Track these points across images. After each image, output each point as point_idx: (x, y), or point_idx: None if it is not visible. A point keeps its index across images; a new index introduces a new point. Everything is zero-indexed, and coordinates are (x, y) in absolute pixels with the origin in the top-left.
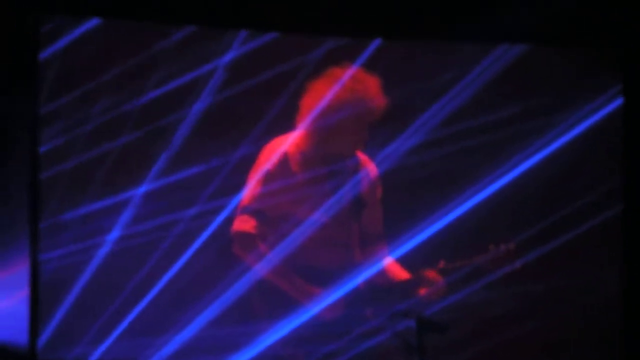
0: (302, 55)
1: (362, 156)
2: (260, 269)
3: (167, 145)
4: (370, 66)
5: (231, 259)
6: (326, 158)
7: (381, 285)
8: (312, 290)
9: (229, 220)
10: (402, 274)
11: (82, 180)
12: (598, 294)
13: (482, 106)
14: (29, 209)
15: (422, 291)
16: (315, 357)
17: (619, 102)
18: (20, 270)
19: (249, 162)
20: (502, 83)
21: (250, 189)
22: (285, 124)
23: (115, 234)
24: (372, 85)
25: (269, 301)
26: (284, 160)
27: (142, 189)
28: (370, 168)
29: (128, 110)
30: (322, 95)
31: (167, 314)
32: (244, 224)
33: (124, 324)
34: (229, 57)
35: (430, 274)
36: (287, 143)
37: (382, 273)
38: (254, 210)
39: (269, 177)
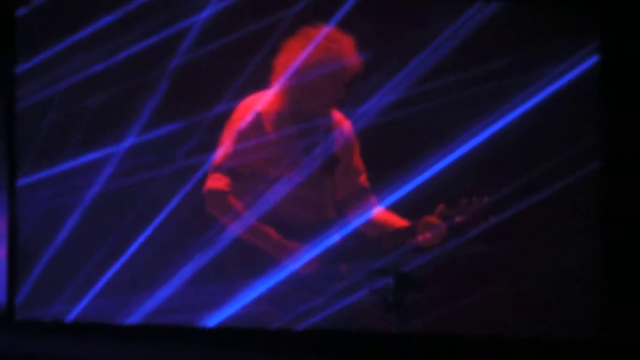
0: (277, 13)
1: (336, 114)
2: (234, 227)
3: (144, 103)
4: (344, 25)
5: (208, 218)
6: (300, 116)
7: (374, 236)
8: (288, 244)
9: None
10: (399, 222)
11: (58, 138)
12: (576, 251)
13: (458, 64)
14: (6, 167)
15: (421, 237)
16: (292, 314)
17: (595, 59)
18: None
19: (223, 120)
20: (477, 41)
21: (223, 147)
22: (261, 82)
23: (92, 192)
24: (347, 45)
25: (244, 259)
26: (258, 119)
27: (119, 147)
28: (345, 125)
29: (103, 69)
30: (296, 55)
31: (145, 273)
32: (217, 182)
33: (101, 282)
34: (204, 15)
35: (431, 219)
36: (261, 101)
37: (376, 223)
38: (227, 169)
39: (242, 135)
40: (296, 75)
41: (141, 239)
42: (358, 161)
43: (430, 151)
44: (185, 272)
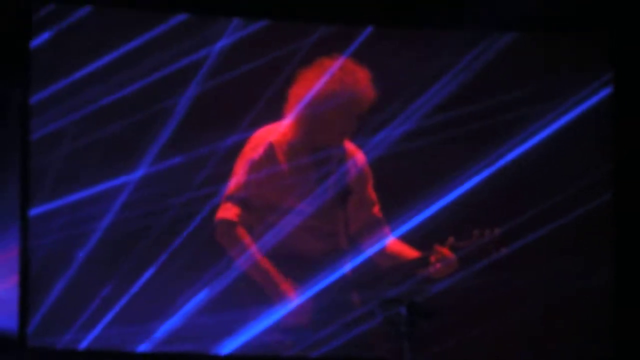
0: (292, 44)
1: (349, 145)
2: (239, 260)
3: (158, 133)
4: (359, 57)
5: (220, 247)
6: (313, 147)
7: (386, 266)
8: (282, 286)
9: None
10: (411, 253)
11: (73, 168)
12: (589, 283)
13: (472, 95)
14: (20, 197)
15: (432, 268)
16: (304, 344)
17: (608, 90)
18: (11, 257)
19: (238, 150)
20: (492, 72)
21: (235, 178)
22: (276, 113)
23: (105, 221)
24: (361, 77)
25: (256, 288)
26: (271, 149)
27: (133, 176)
28: (358, 157)
29: (119, 98)
30: (311, 85)
31: (157, 301)
32: (227, 211)
33: (114, 311)
34: (219, 45)
35: (443, 249)
36: (274, 132)
37: (389, 254)
38: (238, 199)
39: (255, 166)
40: (310, 105)
41: (153, 268)
42: (371, 192)
43: (441, 182)
44: (197, 300)
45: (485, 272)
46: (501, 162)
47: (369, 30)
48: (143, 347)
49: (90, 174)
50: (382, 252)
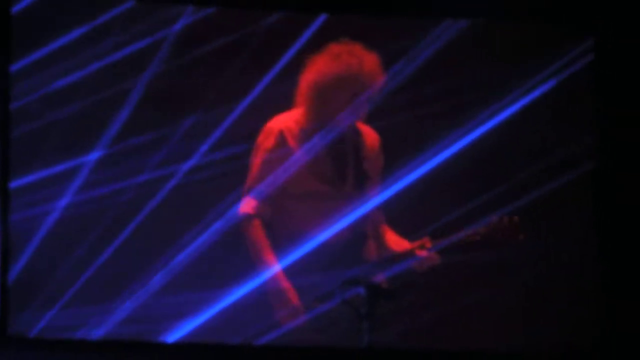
0: (250, 27)
1: (363, 127)
2: (258, 254)
3: (117, 114)
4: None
5: (180, 226)
6: (326, 132)
7: (374, 257)
8: (294, 308)
9: (178, 187)
10: (401, 243)
11: (29, 149)
12: (569, 258)
13: (444, 71)
14: None
15: (416, 264)
16: (265, 324)
17: (589, 57)
18: None
19: (197, 131)
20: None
21: (251, 170)
22: (235, 95)
23: (63, 202)
24: (367, 60)
25: (213, 272)
26: (282, 137)
27: (92, 156)
28: (372, 137)
29: (76, 79)
30: (319, 71)
31: (114, 284)
32: (246, 206)
33: (72, 291)
34: (179, 26)
35: (421, 253)
36: (285, 120)
37: (383, 244)
38: (256, 191)
39: (268, 155)
40: (319, 90)
41: (111, 249)
42: (380, 176)
43: (412, 159)
44: (156, 282)
45: (451, 250)
46: (476, 134)
47: (323, 17)
48: (100, 329)
49: (48, 155)
50: (377, 242)
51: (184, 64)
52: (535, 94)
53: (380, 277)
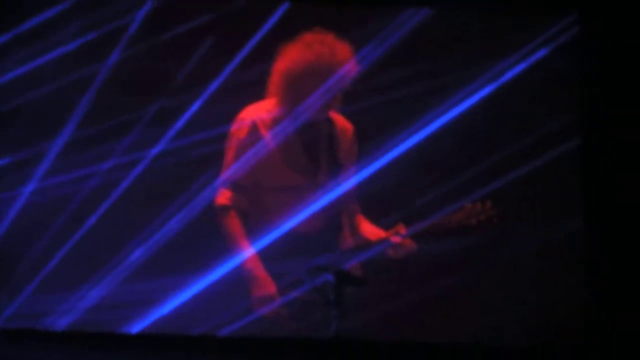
0: (214, 12)
1: (337, 117)
2: (234, 244)
3: (81, 99)
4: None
5: (147, 213)
6: (298, 122)
7: (355, 247)
8: (268, 291)
9: (145, 173)
10: (376, 232)
11: None
12: (556, 235)
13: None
14: None
15: (392, 251)
16: (233, 311)
17: (574, 30)
18: None
19: (163, 116)
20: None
21: (225, 161)
22: (199, 80)
23: (29, 188)
24: (339, 50)
25: (181, 259)
26: (254, 128)
27: (58, 141)
28: (346, 128)
29: (40, 65)
30: (292, 60)
31: (80, 270)
32: (221, 196)
33: (38, 279)
34: (143, 11)
35: (396, 239)
36: (257, 110)
37: (358, 233)
38: (231, 183)
39: (241, 147)
40: (291, 80)
41: (78, 236)
42: (355, 165)
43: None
44: (124, 268)
45: (426, 236)
46: (460, 109)
47: (286, 4)
48: (67, 318)
49: (14, 140)
50: (352, 231)
51: (149, 48)
52: (515, 71)
53: (351, 264)
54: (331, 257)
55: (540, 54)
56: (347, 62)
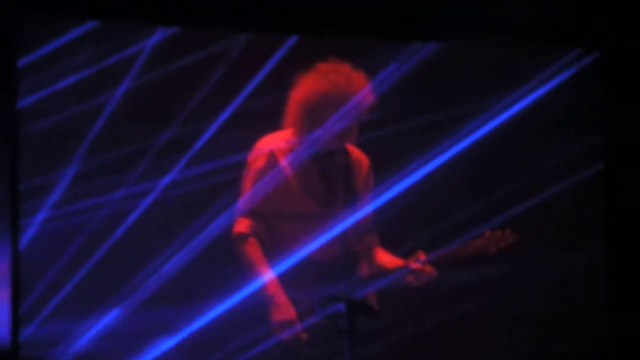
0: (223, 43)
1: (352, 149)
2: (254, 270)
3: (91, 128)
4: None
5: (160, 240)
6: (315, 152)
7: (372, 275)
8: (288, 315)
9: (157, 202)
10: (395, 261)
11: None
12: (577, 261)
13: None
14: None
15: (411, 278)
16: (244, 340)
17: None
18: None
19: (173, 145)
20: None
21: (243, 190)
22: (212, 109)
23: (39, 217)
24: (356, 80)
25: (193, 287)
26: (272, 157)
27: (70, 171)
28: (362, 160)
29: (54, 92)
30: (308, 89)
31: (92, 299)
32: (239, 225)
33: (49, 308)
34: (153, 40)
35: (416, 265)
36: (275, 139)
37: (375, 263)
38: (248, 211)
39: (259, 176)
40: (307, 110)
41: (90, 264)
42: (370, 197)
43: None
44: (139, 296)
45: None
46: (477, 135)
47: (294, 39)
48: (79, 343)
49: (23, 170)
50: (369, 262)
51: (159, 78)
52: (537, 94)
53: (366, 293)
54: (346, 285)
55: (558, 79)
56: (359, 90)
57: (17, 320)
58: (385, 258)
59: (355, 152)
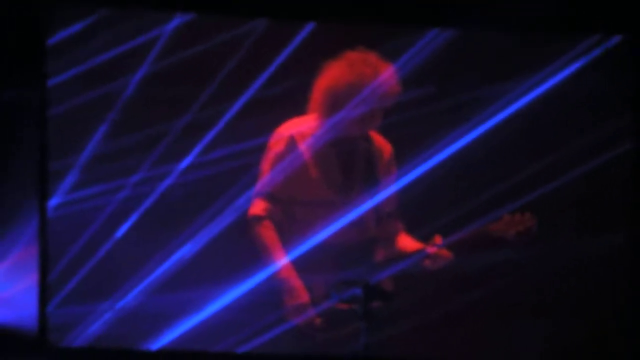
0: (243, 28)
1: (376, 137)
2: (269, 254)
3: (110, 111)
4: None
5: (174, 226)
6: (337, 139)
7: (388, 259)
8: (302, 300)
9: (173, 187)
10: (417, 245)
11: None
12: (601, 246)
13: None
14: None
15: (428, 262)
16: (263, 323)
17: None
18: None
19: (192, 130)
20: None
21: (262, 173)
22: (230, 95)
23: (54, 201)
24: (382, 70)
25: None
26: (292, 142)
27: (86, 154)
28: (384, 147)
29: (74, 75)
30: (334, 77)
31: (110, 281)
32: (255, 207)
33: (65, 292)
34: (172, 25)
35: (432, 249)
36: (297, 125)
37: (396, 248)
38: (266, 194)
39: (278, 160)
40: (332, 97)
41: (107, 246)
42: (393, 183)
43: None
44: (152, 279)
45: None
46: (498, 119)
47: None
48: (93, 330)
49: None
50: (389, 246)
51: (178, 62)
52: (560, 77)
53: (382, 278)
54: (363, 269)
55: (583, 61)
56: (389, 82)
57: (44, 302)
58: (407, 243)
59: (378, 139)
